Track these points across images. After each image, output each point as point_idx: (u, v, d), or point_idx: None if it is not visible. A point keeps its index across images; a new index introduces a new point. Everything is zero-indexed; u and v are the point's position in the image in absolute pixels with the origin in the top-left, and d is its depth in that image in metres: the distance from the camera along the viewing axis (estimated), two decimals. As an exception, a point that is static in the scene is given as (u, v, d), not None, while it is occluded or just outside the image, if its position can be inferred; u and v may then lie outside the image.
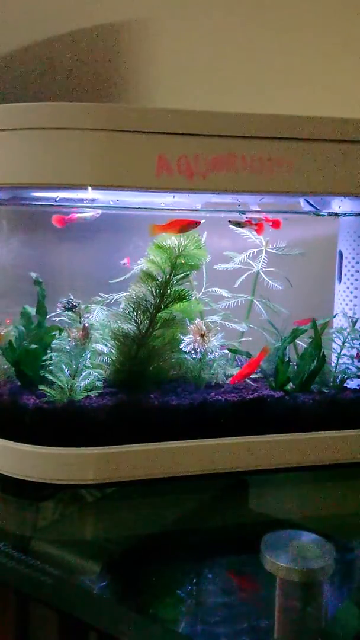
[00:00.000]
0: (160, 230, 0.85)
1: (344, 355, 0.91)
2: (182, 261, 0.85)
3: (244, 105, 1.08)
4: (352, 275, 0.94)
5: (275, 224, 0.90)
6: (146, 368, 0.86)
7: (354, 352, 0.91)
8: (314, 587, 0.58)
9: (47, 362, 0.82)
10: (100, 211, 0.87)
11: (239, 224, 0.90)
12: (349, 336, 0.90)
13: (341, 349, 0.91)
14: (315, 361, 0.88)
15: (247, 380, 0.90)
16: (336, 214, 0.93)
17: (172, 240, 0.85)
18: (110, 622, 0.56)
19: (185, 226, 0.85)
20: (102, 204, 0.86)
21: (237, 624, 0.55)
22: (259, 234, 0.91)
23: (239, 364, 0.97)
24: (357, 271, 0.93)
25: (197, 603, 0.59)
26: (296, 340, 0.90)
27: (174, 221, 0.85)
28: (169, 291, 0.85)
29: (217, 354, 0.87)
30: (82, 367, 0.81)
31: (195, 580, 0.63)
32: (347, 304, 0.95)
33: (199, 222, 0.86)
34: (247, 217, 0.89)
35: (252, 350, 0.90)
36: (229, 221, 0.90)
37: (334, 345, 0.92)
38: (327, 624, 0.56)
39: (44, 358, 0.83)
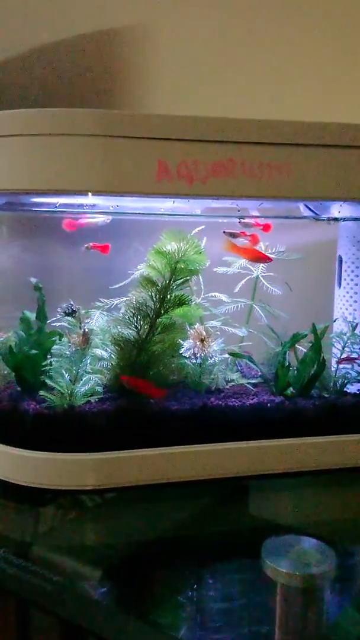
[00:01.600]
0: (235, 250, 0.89)
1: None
2: (182, 266, 0.85)
3: (244, 110, 1.09)
4: (352, 280, 0.94)
5: (266, 228, 0.90)
6: (146, 373, 0.86)
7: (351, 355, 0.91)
8: (314, 593, 0.57)
9: (47, 368, 0.82)
10: (110, 217, 0.87)
11: (234, 235, 0.90)
12: (349, 341, 0.90)
13: (341, 354, 0.91)
14: (315, 366, 0.88)
15: (246, 385, 0.90)
16: (335, 219, 0.93)
17: (171, 245, 0.86)
18: (111, 628, 0.55)
19: (258, 257, 0.89)
20: (103, 210, 0.86)
21: (238, 629, 0.55)
22: (254, 245, 0.91)
23: (239, 368, 0.97)
24: (357, 276, 0.93)
25: (197, 609, 0.59)
26: (296, 345, 0.90)
27: (251, 249, 0.89)
28: (169, 296, 0.85)
29: (217, 358, 0.87)
30: (82, 373, 0.82)
31: (195, 586, 0.63)
32: (346, 309, 0.95)
33: (271, 259, 0.90)
34: (240, 221, 0.89)
35: (252, 355, 0.90)
36: (224, 232, 0.90)
37: (334, 350, 0.92)
38: (328, 629, 0.56)
39: (44, 363, 0.83)
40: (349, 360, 0.89)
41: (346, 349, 0.90)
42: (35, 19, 1.18)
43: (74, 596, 0.59)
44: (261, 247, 0.93)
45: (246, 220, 0.89)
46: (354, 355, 0.90)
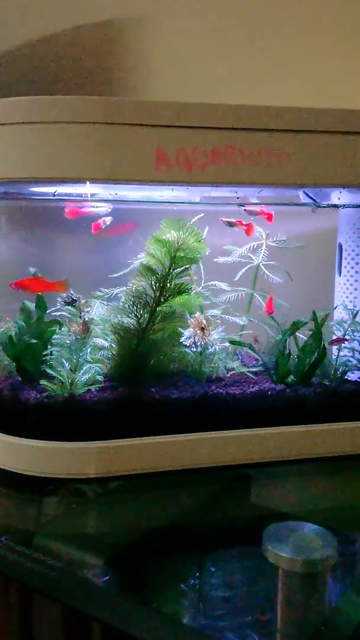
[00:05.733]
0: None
1: (345, 347, 0.91)
2: (182, 255, 0.85)
3: (242, 97, 1.08)
4: (352, 267, 0.94)
5: (268, 218, 0.91)
6: (147, 362, 0.86)
7: (355, 344, 0.91)
8: (316, 578, 0.58)
9: (48, 357, 0.82)
10: (111, 205, 0.87)
11: (231, 224, 0.91)
12: (349, 328, 0.90)
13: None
14: (315, 353, 0.88)
15: (247, 373, 0.90)
16: (335, 206, 0.92)
17: (171, 234, 0.85)
18: (114, 614, 0.56)
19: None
20: (102, 198, 0.86)
21: (240, 615, 0.55)
22: (249, 235, 0.91)
23: (240, 357, 0.97)
24: (357, 263, 0.93)
25: (200, 595, 0.59)
26: (296, 333, 0.90)
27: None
28: (168, 285, 0.85)
29: (217, 347, 0.87)
30: (83, 362, 0.82)
31: (198, 573, 0.63)
32: (347, 297, 0.95)
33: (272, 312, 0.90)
34: (245, 209, 0.89)
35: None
36: (221, 220, 0.91)
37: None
38: (330, 614, 0.56)
39: (44, 353, 0.83)
40: (339, 341, 0.89)
41: (347, 336, 0.90)
42: (34, 10, 1.18)
43: (77, 582, 0.60)
44: (262, 233, 0.93)
45: (251, 208, 0.89)
46: (346, 337, 0.90)
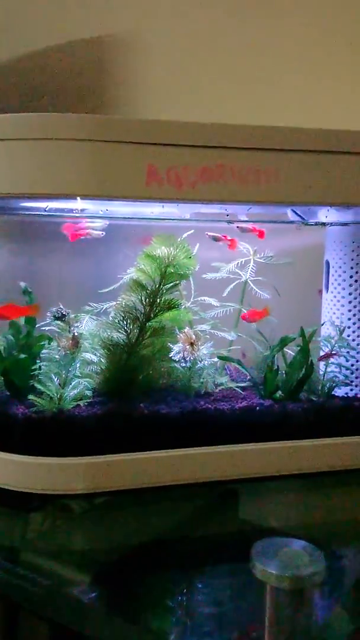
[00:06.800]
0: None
1: (332, 363, 0.92)
2: (172, 270, 0.85)
3: (233, 116, 1.09)
4: (339, 284, 0.95)
5: (260, 235, 0.92)
6: (136, 377, 0.86)
7: (342, 359, 0.92)
8: (304, 594, 0.58)
9: (36, 372, 0.82)
10: (107, 222, 0.88)
11: (216, 239, 0.93)
12: (336, 344, 0.91)
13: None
14: (303, 369, 0.88)
15: (235, 388, 0.90)
16: (323, 224, 0.94)
17: (162, 250, 0.86)
18: (101, 631, 0.55)
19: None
20: (92, 214, 0.86)
21: (227, 632, 0.55)
22: (232, 249, 0.93)
23: (228, 372, 0.98)
24: (344, 280, 0.94)
25: (187, 612, 0.59)
26: (284, 349, 0.91)
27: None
28: (158, 300, 0.85)
29: (206, 362, 0.88)
30: (72, 377, 0.81)
31: (185, 589, 0.63)
32: (334, 313, 0.96)
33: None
34: (238, 226, 0.91)
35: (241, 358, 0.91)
36: (207, 234, 0.93)
37: (322, 354, 0.92)
38: (318, 630, 0.56)
39: (33, 367, 0.82)
40: (329, 356, 0.90)
41: (333, 352, 0.91)
42: (25, 26, 1.19)
43: (64, 600, 0.59)
44: (250, 250, 0.94)
45: (243, 225, 0.91)
46: (334, 352, 0.91)
